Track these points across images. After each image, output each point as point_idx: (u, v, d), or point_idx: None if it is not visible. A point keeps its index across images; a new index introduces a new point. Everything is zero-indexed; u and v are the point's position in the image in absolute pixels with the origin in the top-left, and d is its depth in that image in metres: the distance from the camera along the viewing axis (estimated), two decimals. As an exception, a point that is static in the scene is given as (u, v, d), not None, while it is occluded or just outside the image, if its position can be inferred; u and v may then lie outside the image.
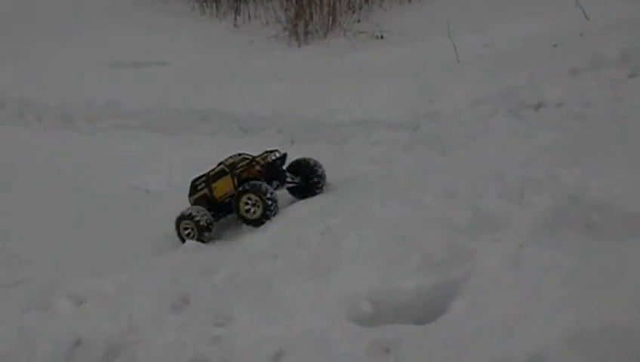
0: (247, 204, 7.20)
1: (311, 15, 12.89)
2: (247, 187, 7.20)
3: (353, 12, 13.10)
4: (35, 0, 14.99)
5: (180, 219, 7.59)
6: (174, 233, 7.75)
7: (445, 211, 6.07)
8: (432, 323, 4.75)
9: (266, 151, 7.62)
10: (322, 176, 7.76)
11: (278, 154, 7.56)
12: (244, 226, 7.39)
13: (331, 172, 8.21)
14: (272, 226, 7.04)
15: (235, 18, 13.79)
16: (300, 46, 12.58)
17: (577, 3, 10.30)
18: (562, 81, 8.67)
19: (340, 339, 4.77)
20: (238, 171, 7.51)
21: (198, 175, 7.90)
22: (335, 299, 5.28)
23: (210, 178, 7.69)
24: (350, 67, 11.20)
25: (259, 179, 7.37)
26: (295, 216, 7.13)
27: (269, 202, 7.12)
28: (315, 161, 7.78)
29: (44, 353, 5.54)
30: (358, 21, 12.87)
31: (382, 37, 12.29)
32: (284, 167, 7.68)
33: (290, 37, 12.72)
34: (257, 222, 7.17)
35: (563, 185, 5.70)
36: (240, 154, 7.80)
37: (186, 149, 9.86)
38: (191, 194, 7.87)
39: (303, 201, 7.61)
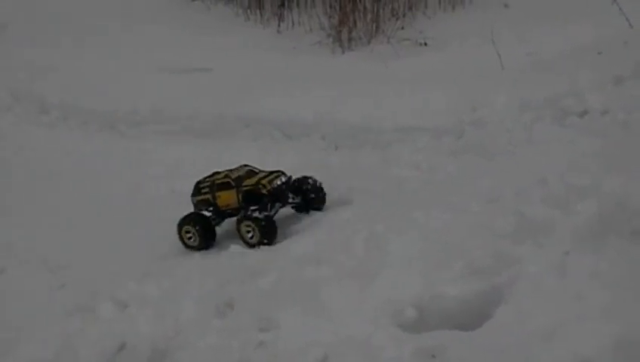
0: (247, 229, 7.40)
1: (354, 22, 12.88)
2: (246, 214, 7.43)
3: (397, 19, 13.06)
4: (81, 6, 15.09)
5: (181, 225, 7.75)
6: (218, 236, 7.81)
7: (489, 217, 6.06)
8: (477, 329, 4.75)
9: (272, 172, 7.79)
10: (322, 194, 8.04)
11: (284, 179, 7.73)
12: (288, 231, 7.44)
13: (375, 178, 8.27)
14: (317, 232, 7.07)
15: (279, 24, 13.82)
16: (343, 52, 12.58)
17: (621, 12, 10.21)
18: (606, 88, 8.62)
19: (384, 345, 4.79)
20: (244, 189, 7.66)
21: (203, 176, 8.05)
22: (379, 304, 5.29)
23: (215, 186, 7.81)
24: (394, 74, 11.20)
25: (262, 199, 7.55)
26: (339, 222, 7.16)
27: (266, 229, 7.33)
28: (313, 180, 8.00)
29: (87, 358, 5.60)
30: (402, 28, 12.82)
31: (425, 44, 12.26)
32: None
33: (334, 43, 12.72)
34: (257, 245, 7.35)
35: (607, 192, 5.65)
36: (246, 166, 7.99)
37: (229, 155, 9.84)
38: (194, 195, 7.98)
39: (347, 207, 7.64)
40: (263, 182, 7.63)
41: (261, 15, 14.16)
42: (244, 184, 7.68)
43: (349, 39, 12.73)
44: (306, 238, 7.01)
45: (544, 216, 5.74)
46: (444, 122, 9.31)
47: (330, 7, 13.44)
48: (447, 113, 9.43)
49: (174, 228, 7.99)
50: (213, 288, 6.40)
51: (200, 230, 7.66)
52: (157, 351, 5.37)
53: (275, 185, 7.62)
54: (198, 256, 7.57)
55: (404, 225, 6.42)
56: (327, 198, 8.13)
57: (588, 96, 8.53)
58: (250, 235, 7.40)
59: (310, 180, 8.00)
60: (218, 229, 8.00)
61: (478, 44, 11.09)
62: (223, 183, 7.78)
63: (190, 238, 7.70)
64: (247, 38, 13.37)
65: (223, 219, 7.92)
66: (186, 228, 7.70)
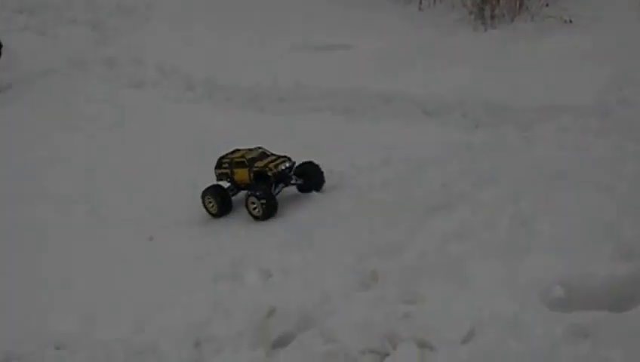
0: (253, 204, 8.34)
1: (498, -1, 12.71)
2: (252, 192, 8.42)
3: (542, -5, 12.83)
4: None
5: (204, 195, 8.72)
6: (359, 212, 7.87)
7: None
8: (629, 311, 4.65)
9: (280, 157, 8.69)
10: (321, 177, 8.82)
11: (288, 164, 8.65)
12: (430, 208, 7.40)
13: (518, 157, 8.16)
14: (460, 209, 7.02)
15: (420, 2, 13.73)
16: (485, 30, 12.42)
17: None
18: None
19: (533, 322, 4.76)
20: (254, 169, 8.59)
21: (225, 152, 8.89)
22: (526, 282, 5.25)
23: (233, 163, 8.73)
24: (537, 51, 11.02)
25: (269, 179, 8.53)
26: (483, 200, 7.09)
27: (267, 205, 8.28)
28: (314, 165, 8.82)
29: (238, 321, 5.74)
30: (546, 5, 12.56)
31: (570, 21, 11.97)
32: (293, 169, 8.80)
33: (476, 21, 12.56)
34: (261, 219, 8.33)
35: None
36: (260, 148, 8.88)
37: (370, 131, 9.94)
38: (217, 168, 8.87)
39: (489, 186, 7.54)
40: (270, 165, 8.57)
41: (402, -8, 14.09)
42: (255, 165, 8.63)
43: (492, 16, 12.56)
44: (448, 215, 6.95)
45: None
46: (589, 101, 9.13)
47: (473, -16, 13.25)
48: (592, 92, 9.26)
49: (316, 201, 8.36)
50: (353, 260, 6.47)
51: (219, 200, 8.68)
52: (305, 318, 5.45)
53: (280, 169, 8.58)
54: (335, 230, 7.60)
55: (550, 204, 6.35)
56: (469, 177, 8.03)
57: None
58: (255, 209, 8.34)
59: (312, 165, 8.83)
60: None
61: (624, 22, 10.80)
62: (239, 162, 8.74)
63: (211, 206, 8.71)
64: (389, 15, 13.33)
65: (238, 191, 8.82)
66: (207, 198, 8.72)
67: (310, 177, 8.81)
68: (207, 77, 12.22)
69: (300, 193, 8.78)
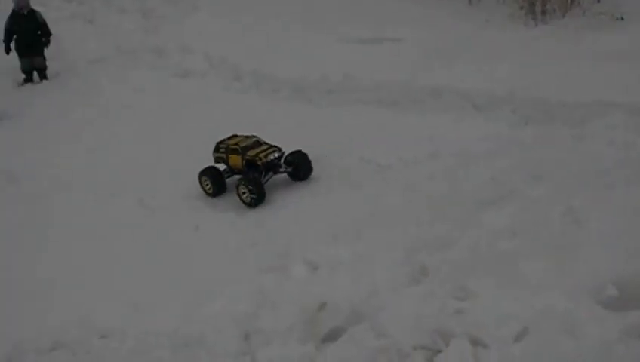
0: (242, 190, 8.84)
1: (549, -6, 12.57)
2: (243, 179, 8.95)
3: (594, -9, 12.66)
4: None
5: (201, 175, 9.23)
6: (406, 206, 7.83)
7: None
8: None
9: (271, 146, 9.18)
10: (309, 166, 9.28)
11: (277, 154, 9.15)
12: (480, 203, 7.33)
13: (568, 153, 8.11)
14: (510, 204, 6.95)
15: (471, -5, 13.69)
16: (536, 25, 12.29)
17: None
18: None
19: (586, 321, 4.69)
20: (246, 158, 9.06)
21: (222, 138, 9.38)
22: (579, 280, 5.16)
23: (229, 149, 9.22)
24: (588, 48, 10.89)
25: (259, 168, 9.03)
26: (533, 196, 7.02)
27: (255, 192, 8.78)
28: (303, 154, 9.28)
29: (288, 314, 5.72)
30: (598, 1, 12.41)
31: (622, 18, 11.82)
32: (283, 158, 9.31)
33: (527, 16, 12.45)
34: (251, 205, 8.81)
35: None
36: (255, 137, 9.35)
37: (417, 125, 9.89)
38: (215, 151, 9.37)
39: (539, 182, 7.46)
40: (261, 155, 9.08)
41: (452, -14, 13.97)
42: (247, 153, 9.11)
43: (543, 12, 12.43)
44: (499, 210, 6.88)
45: None
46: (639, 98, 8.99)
47: (525, -22, 13.11)
48: (641, 89, 9.09)
49: (364, 196, 8.34)
50: (401, 254, 6.42)
51: (214, 181, 9.20)
52: (355, 313, 5.41)
53: (269, 159, 9.09)
54: (382, 223, 7.57)
55: (602, 202, 6.26)
56: (519, 172, 7.94)
57: None
58: (245, 195, 8.84)
59: (300, 154, 9.30)
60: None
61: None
62: (233, 149, 9.23)
63: (207, 186, 9.22)
64: (438, 9, 13.27)
65: (233, 174, 9.32)
66: (204, 178, 9.24)
67: (299, 166, 9.30)
68: (255, 67, 12.24)
69: (294, 181, 9.31)
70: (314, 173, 9.26)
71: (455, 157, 8.74)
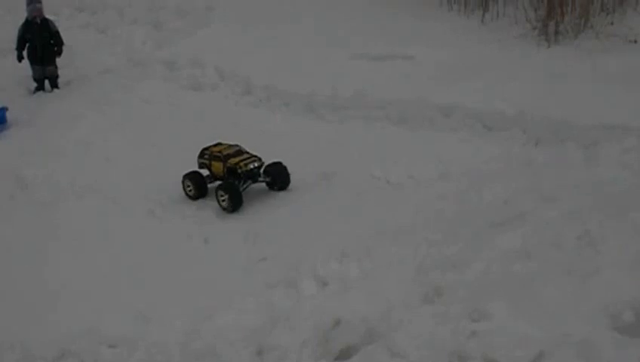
0: (221, 197, 9.13)
1: (562, 15, 12.50)
2: (222, 185, 9.27)
3: (607, 14, 12.61)
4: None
5: (184, 178, 9.51)
6: (417, 225, 7.80)
7: None
8: None
9: (252, 156, 9.48)
10: (287, 177, 9.55)
11: (257, 164, 9.43)
12: (492, 224, 7.31)
13: (581, 176, 8.08)
14: (523, 226, 6.91)
15: (483, 15, 13.57)
16: (549, 46, 12.24)
17: None
18: None
19: (604, 347, 4.66)
20: (228, 164, 9.36)
21: (208, 145, 9.66)
22: (595, 305, 5.14)
23: (212, 156, 9.52)
24: (601, 70, 10.86)
25: (240, 175, 9.32)
26: (546, 218, 6.99)
27: (233, 199, 9.09)
28: (282, 165, 9.54)
29: (302, 330, 5.70)
30: (612, 24, 12.38)
31: (635, 41, 11.81)
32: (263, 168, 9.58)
33: (540, 36, 12.40)
34: (228, 211, 9.13)
35: None
36: (237, 146, 9.64)
37: (427, 143, 9.89)
38: (199, 157, 9.65)
39: (552, 204, 7.43)
40: (241, 164, 9.35)
41: (465, 5, 13.94)
42: (229, 161, 9.39)
43: (556, 32, 12.37)
44: (512, 231, 6.83)
45: None
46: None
47: (538, -1, 13.11)
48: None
49: (373, 212, 8.33)
50: (414, 274, 6.40)
51: (196, 185, 9.50)
52: (369, 331, 5.39)
53: (249, 168, 9.36)
54: (392, 241, 7.52)
55: (618, 225, 6.24)
56: (531, 194, 7.91)
57: None
58: (223, 202, 9.13)
59: (279, 166, 9.54)
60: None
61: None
62: (216, 156, 9.52)
63: (189, 190, 9.51)
64: (450, 27, 13.23)
65: (215, 180, 9.57)
66: (186, 181, 9.52)
67: (276, 176, 9.55)
68: (266, 82, 12.21)
69: (273, 191, 9.55)
70: (323, 189, 9.22)
71: (466, 176, 8.73)
